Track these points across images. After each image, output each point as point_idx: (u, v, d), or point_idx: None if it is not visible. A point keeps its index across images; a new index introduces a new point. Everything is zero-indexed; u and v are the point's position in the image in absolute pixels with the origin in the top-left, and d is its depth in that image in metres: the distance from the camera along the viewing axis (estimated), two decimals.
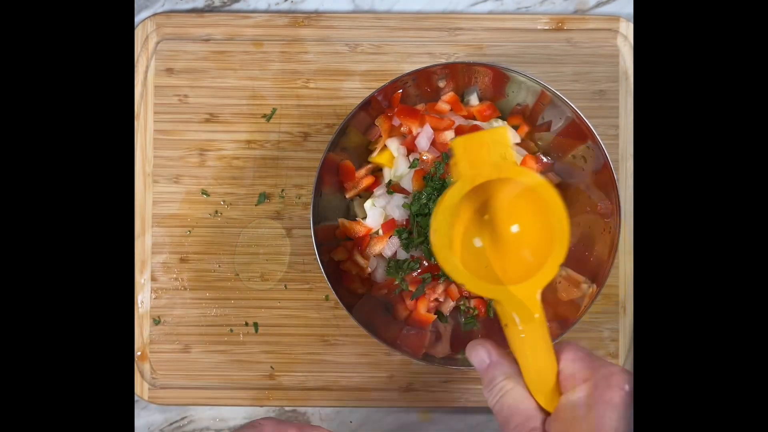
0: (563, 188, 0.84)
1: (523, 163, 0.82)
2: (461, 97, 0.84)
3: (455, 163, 0.60)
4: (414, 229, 0.80)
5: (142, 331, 0.86)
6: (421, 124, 0.81)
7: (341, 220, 0.82)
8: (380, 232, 0.81)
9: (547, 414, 0.61)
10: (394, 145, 0.83)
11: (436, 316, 0.84)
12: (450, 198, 0.60)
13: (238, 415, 0.87)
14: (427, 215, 0.79)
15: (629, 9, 0.88)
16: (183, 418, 0.87)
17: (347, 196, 0.84)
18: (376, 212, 0.81)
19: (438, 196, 0.79)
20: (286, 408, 0.87)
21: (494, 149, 0.60)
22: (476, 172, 0.59)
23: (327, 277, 0.77)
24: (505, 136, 0.60)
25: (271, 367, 0.86)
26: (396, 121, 0.82)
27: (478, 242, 0.64)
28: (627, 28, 0.87)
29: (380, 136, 0.83)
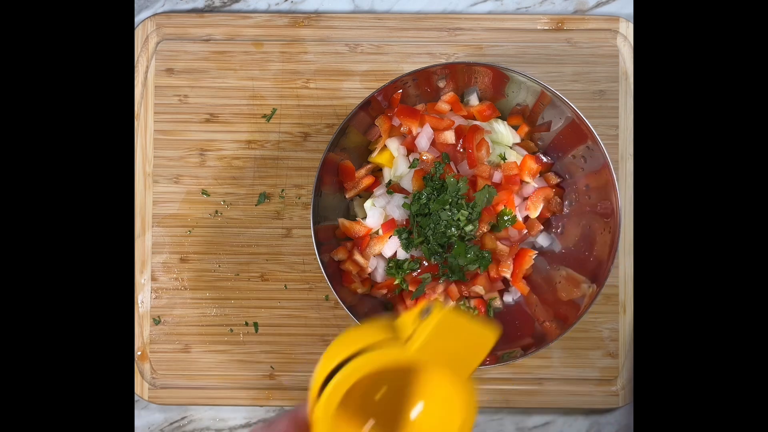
0: (563, 188, 0.84)
1: (523, 163, 0.82)
2: (461, 97, 0.84)
3: (423, 328, 0.50)
4: (414, 229, 0.80)
5: (142, 330, 0.86)
6: (421, 124, 0.81)
7: (341, 220, 0.82)
8: (380, 232, 0.81)
9: None
10: (394, 145, 0.83)
11: None
12: (373, 361, 0.49)
13: (238, 414, 0.87)
14: (428, 215, 0.79)
15: (629, 9, 0.88)
16: (183, 418, 0.87)
17: (347, 196, 0.84)
18: (376, 212, 0.81)
19: (438, 196, 0.79)
20: (286, 408, 0.87)
21: (467, 345, 0.51)
22: (431, 354, 0.51)
23: (327, 277, 0.77)
24: (490, 341, 0.51)
25: (271, 366, 0.86)
26: (396, 121, 0.82)
27: (371, 422, 0.56)
28: (627, 29, 0.87)
29: (380, 136, 0.83)
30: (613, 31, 0.87)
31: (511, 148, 0.84)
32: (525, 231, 0.83)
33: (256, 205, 0.87)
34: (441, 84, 0.82)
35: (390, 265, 0.81)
